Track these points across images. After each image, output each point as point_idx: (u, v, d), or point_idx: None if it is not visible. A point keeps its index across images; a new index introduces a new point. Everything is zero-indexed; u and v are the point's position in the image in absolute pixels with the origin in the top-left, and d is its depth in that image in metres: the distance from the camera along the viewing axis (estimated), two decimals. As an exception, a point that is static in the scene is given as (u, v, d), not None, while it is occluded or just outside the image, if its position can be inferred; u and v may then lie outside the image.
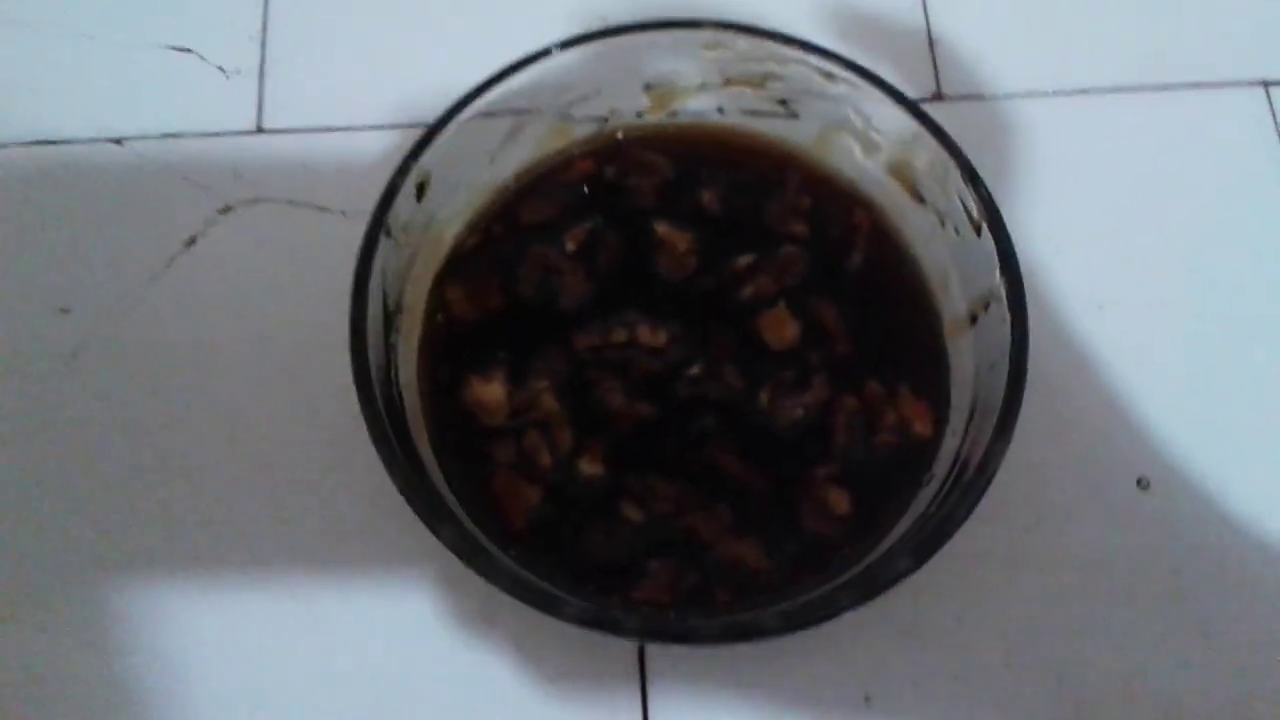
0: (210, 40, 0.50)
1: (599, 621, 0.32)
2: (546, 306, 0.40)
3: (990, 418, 0.35)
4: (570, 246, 0.41)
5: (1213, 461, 0.42)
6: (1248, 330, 0.45)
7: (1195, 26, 0.51)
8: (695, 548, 0.37)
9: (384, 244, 0.37)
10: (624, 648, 0.40)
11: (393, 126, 0.48)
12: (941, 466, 0.37)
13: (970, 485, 0.34)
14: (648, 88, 0.42)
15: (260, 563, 0.41)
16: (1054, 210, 0.46)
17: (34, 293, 0.45)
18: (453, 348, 0.40)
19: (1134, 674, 0.39)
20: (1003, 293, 0.36)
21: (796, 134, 0.43)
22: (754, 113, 0.43)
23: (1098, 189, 0.47)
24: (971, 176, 0.37)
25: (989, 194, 0.37)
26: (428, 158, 0.38)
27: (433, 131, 0.38)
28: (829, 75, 0.40)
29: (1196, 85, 0.49)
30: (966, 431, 0.37)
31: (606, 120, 0.43)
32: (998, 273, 0.36)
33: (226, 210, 0.46)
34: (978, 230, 0.37)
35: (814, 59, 0.40)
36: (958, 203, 0.38)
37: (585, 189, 0.42)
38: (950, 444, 0.38)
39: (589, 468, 0.38)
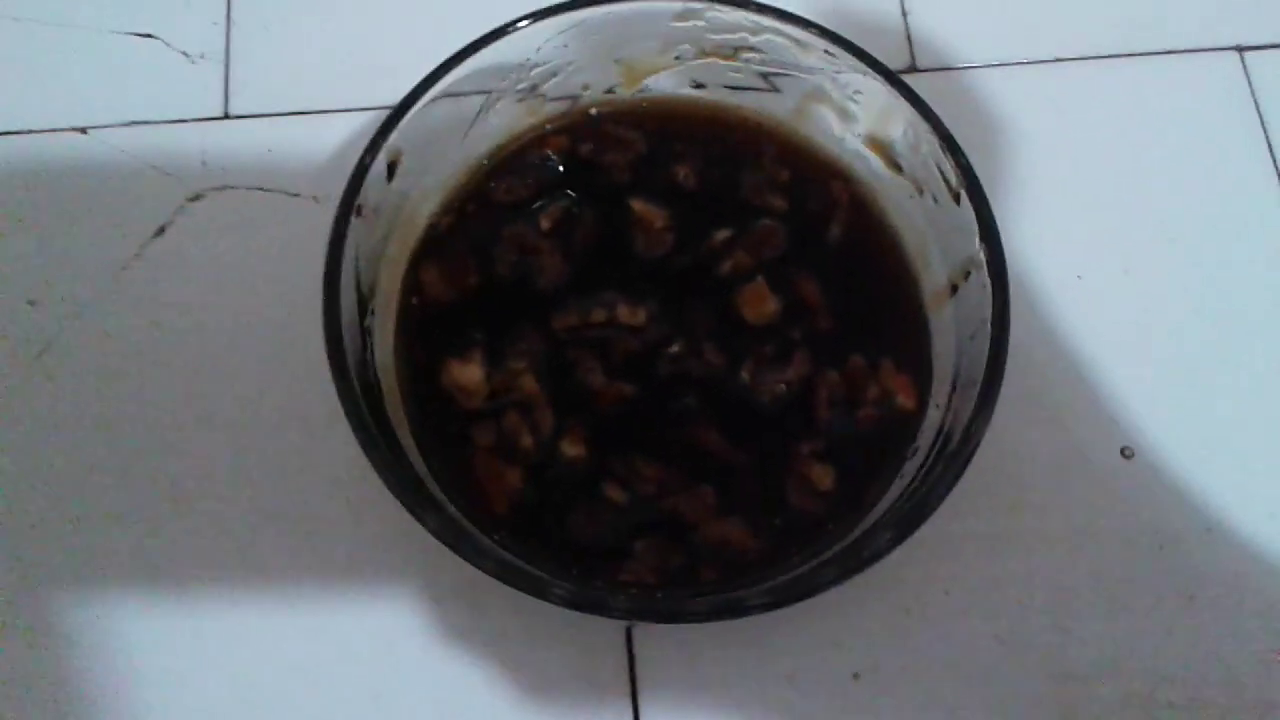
0: (174, 25, 0.49)
1: (587, 603, 0.32)
2: (523, 286, 0.40)
3: (973, 389, 0.35)
4: (545, 225, 0.41)
5: (1196, 429, 0.42)
6: (1227, 296, 0.45)
7: (1168, -7, 0.51)
8: (680, 528, 0.36)
9: (355, 225, 0.36)
10: (612, 647, 0.39)
11: (362, 109, 0.47)
12: (925, 439, 0.37)
13: (953, 457, 0.33)
14: (619, 62, 0.42)
15: (236, 567, 0.40)
16: (1030, 180, 0.46)
17: (0, 287, 0.44)
18: (429, 330, 0.39)
19: (1122, 644, 0.39)
20: (983, 260, 0.36)
21: (772, 106, 0.43)
22: (728, 86, 0.43)
23: (1073, 158, 0.47)
24: (949, 144, 0.37)
25: (967, 161, 0.37)
26: (397, 136, 0.38)
27: (402, 109, 0.38)
28: (803, 45, 0.40)
29: (1170, 52, 0.49)
30: (949, 403, 0.37)
31: (579, 96, 0.43)
32: (977, 240, 0.36)
33: (195, 198, 0.46)
34: (956, 199, 0.37)
35: (788, 28, 0.39)
36: (936, 171, 0.38)
37: (559, 166, 0.42)
38: (933, 416, 0.37)
39: (571, 449, 0.37)
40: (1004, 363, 0.34)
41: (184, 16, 0.49)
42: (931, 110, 0.38)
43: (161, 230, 0.45)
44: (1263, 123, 0.47)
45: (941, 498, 0.33)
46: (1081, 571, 0.40)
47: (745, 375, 0.38)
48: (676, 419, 0.38)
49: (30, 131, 0.47)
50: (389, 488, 0.33)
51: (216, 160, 0.46)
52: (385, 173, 0.38)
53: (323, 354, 0.34)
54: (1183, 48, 0.49)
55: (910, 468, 0.37)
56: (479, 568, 0.32)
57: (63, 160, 0.46)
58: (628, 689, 0.38)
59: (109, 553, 0.40)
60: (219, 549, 0.40)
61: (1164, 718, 0.38)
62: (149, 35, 0.49)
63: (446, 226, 0.41)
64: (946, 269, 0.39)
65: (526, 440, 0.37)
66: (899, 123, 0.39)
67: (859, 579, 0.33)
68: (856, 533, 0.35)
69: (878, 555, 0.32)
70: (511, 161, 0.42)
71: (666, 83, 0.43)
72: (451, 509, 0.35)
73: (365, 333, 0.37)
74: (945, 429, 0.36)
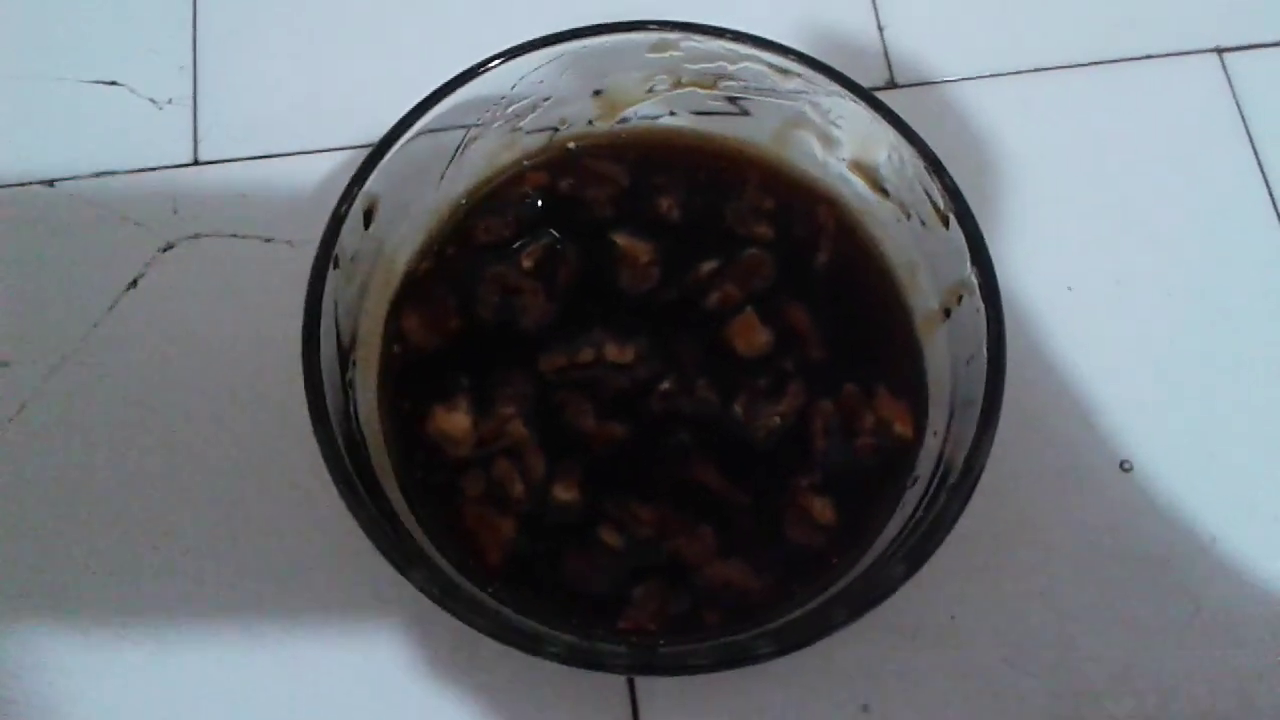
0: (138, 72, 0.48)
1: (583, 660, 0.31)
2: (507, 329, 0.39)
3: (971, 412, 0.34)
4: (528, 264, 0.40)
5: (1195, 438, 0.42)
6: (1219, 301, 0.44)
7: (1144, -3, 0.50)
8: (680, 571, 0.36)
9: (333, 277, 0.35)
10: (615, 688, 0.38)
11: (335, 149, 0.46)
12: (925, 466, 0.36)
13: (958, 486, 0.33)
14: (597, 94, 0.41)
15: (219, 613, 0.39)
16: (1015, 192, 0.46)
17: (-30, 348, 0.43)
18: (413, 378, 0.39)
19: (1131, 660, 0.39)
20: (975, 284, 0.35)
21: (754, 133, 0.42)
22: (708, 114, 0.42)
23: (1057, 168, 0.47)
24: (935, 167, 0.37)
25: (954, 184, 0.36)
26: (373, 182, 0.37)
27: (377, 154, 0.37)
28: (781, 70, 0.39)
29: (1149, 57, 0.49)
30: (948, 429, 0.36)
31: (557, 130, 0.42)
32: (969, 263, 0.35)
33: (168, 248, 0.45)
34: (945, 221, 0.37)
35: (765, 55, 0.39)
36: (922, 194, 0.37)
37: (539, 203, 0.41)
38: (932, 444, 0.37)
39: (564, 494, 0.37)
40: (1002, 389, 0.34)
41: (149, 62, 0.49)
42: (915, 133, 0.37)
43: (134, 282, 0.44)
44: (1245, 123, 0.47)
45: (949, 528, 0.32)
46: (1086, 588, 0.40)
47: (739, 409, 0.38)
48: (671, 458, 0.37)
49: (-7, 186, 0.46)
50: (376, 546, 0.32)
51: (188, 208, 0.45)
52: (362, 220, 0.37)
53: (304, 404, 0.34)
54: (1162, 52, 0.49)
55: (911, 496, 0.36)
56: (471, 625, 0.32)
57: (30, 215, 0.46)
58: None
59: (90, 600, 0.40)
60: (201, 596, 0.40)
61: (1179, 733, 0.38)
62: (114, 83, 0.48)
63: (426, 271, 0.40)
64: (938, 293, 0.38)
65: (517, 487, 0.37)
66: (883, 146, 0.38)
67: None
68: (861, 567, 0.35)
69: (888, 591, 0.32)
70: (490, 200, 0.41)
71: (646, 114, 0.42)
72: (442, 563, 0.34)
73: (348, 385, 0.36)
74: (945, 456, 0.35)
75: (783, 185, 0.42)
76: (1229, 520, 0.41)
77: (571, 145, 0.42)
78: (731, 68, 0.40)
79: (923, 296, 0.39)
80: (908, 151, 0.37)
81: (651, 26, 0.39)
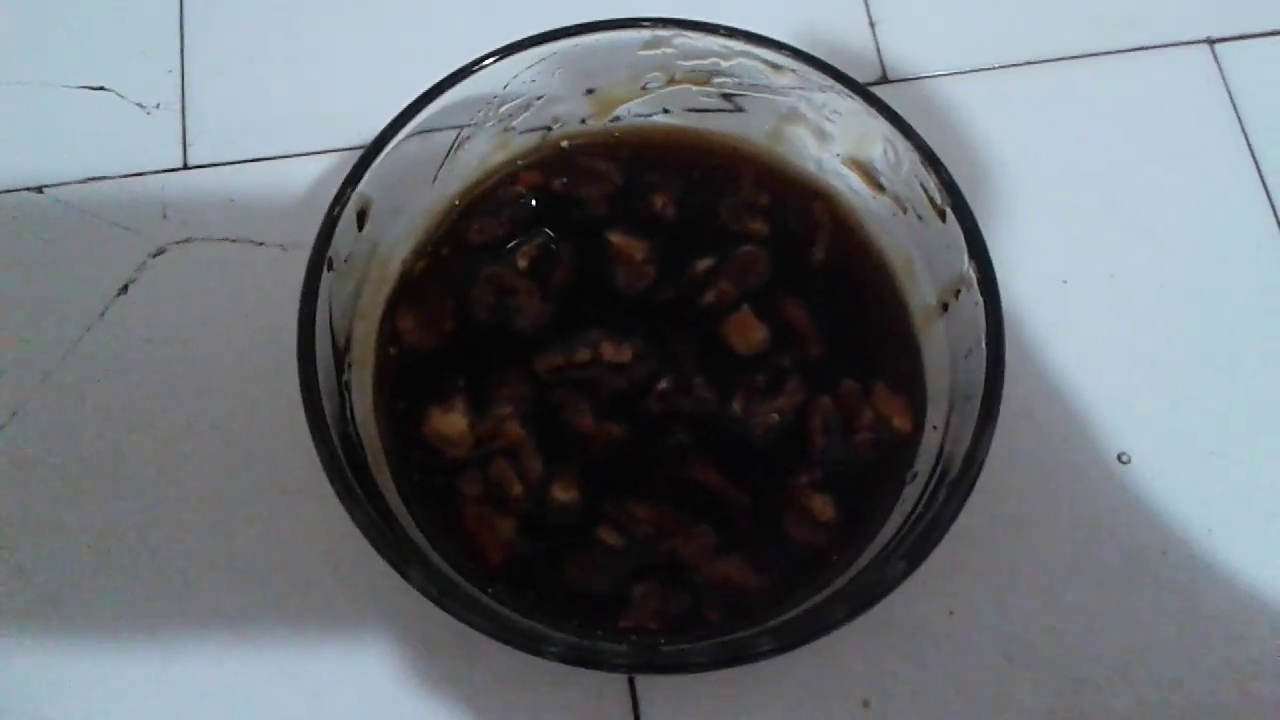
0: (126, 76, 0.48)
1: (583, 659, 0.31)
2: (503, 329, 0.39)
3: (970, 407, 0.34)
4: (522, 264, 0.40)
5: (1192, 430, 0.42)
6: (1213, 293, 0.44)
7: (1134, -11, 0.50)
8: (680, 570, 0.36)
9: (327, 279, 0.35)
10: (615, 689, 0.38)
11: (325, 151, 0.46)
12: (924, 462, 0.36)
13: (958, 481, 0.33)
14: (590, 93, 0.41)
15: (212, 622, 0.39)
16: (1009, 186, 0.46)
17: (-40, 357, 0.43)
18: (409, 380, 0.38)
19: (1131, 652, 0.39)
20: (973, 278, 0.35)
21: (748, 129, 0.42)
22: (702, 111, 0.42)
23: (1051, 161, 0.46)
24: (931, 160, 0.37)
25: (950, 177, 0.36)
26: (366, 183, 0.37)
27: (370, 155, 0.37)
28: (775, 66, 0.39)
29: (1141, 49, 0.49)
30: (947, 424, 0.36)
31: (549, 129, 0.42)
32: (966, 258, 0.35)
33: (158, 253, 0.44)
34: (942, 215, 0.36)
35: (759, 50, 0.39)
36: (918, 188, 0.37)
37: (533, 203, 0.41)
38: (931, 438, 0.37)
39: (563, 494, 0.36)
40: (1001, 383, 0.34)
41: (137, 67, 0.48)
42: (910, 127, 0.37)
43: (125, 288, 0.44)
44: (1238, 114, 0.47)
45: (949, 524, 0.32)
46: (1084, 582, 0.40)
47: (737, 407, 0.38)
48: (669, 457, 0.37)
49: (-18, 193, 0.46)
50: (374, 547, 0.32)
51: (178, 213, 0.45)
52: (355, 222, 0.37)
53: (299, 408, 0.33)
54: (1153, 43, 0.49)
55: (911, 492, 0.36)
56: (469, 625, 0.31)
57: (19, 221, 0.45)
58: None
59: (84, 606, 0.39)
60: (197, 602, 0.39)
61: (1179, 724, 0.38)
62: (102, 88, 0.48)
63: (420, 272, 0.40)
64: (935, 287, 0.38)
65: (516, 488, 0.36)
66: (877, 140, 0.38)
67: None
68: (861, 563, 0.35)
69: (888, 588, 0.32)
70: (484, 201, 0.41)
71: (639, 112, 0.42)
72: (440, 564, 0.34)
73: (344, 387, 0.36)
74: (944, 451, 0.35)
75: (777, 181, 0.41)
76: (1227, 512, 0.41)
77: (565, 144, 0.42)
78: (725, 64, 0.40)
79: (920, 291, 0.39)
80: (903, 145, 0.37)
81: (644, 24, 0.39)
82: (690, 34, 0.39)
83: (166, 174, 0.46)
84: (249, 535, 0.40)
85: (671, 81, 0.41)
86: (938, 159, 0.37)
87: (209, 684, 0.38)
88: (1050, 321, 0.43)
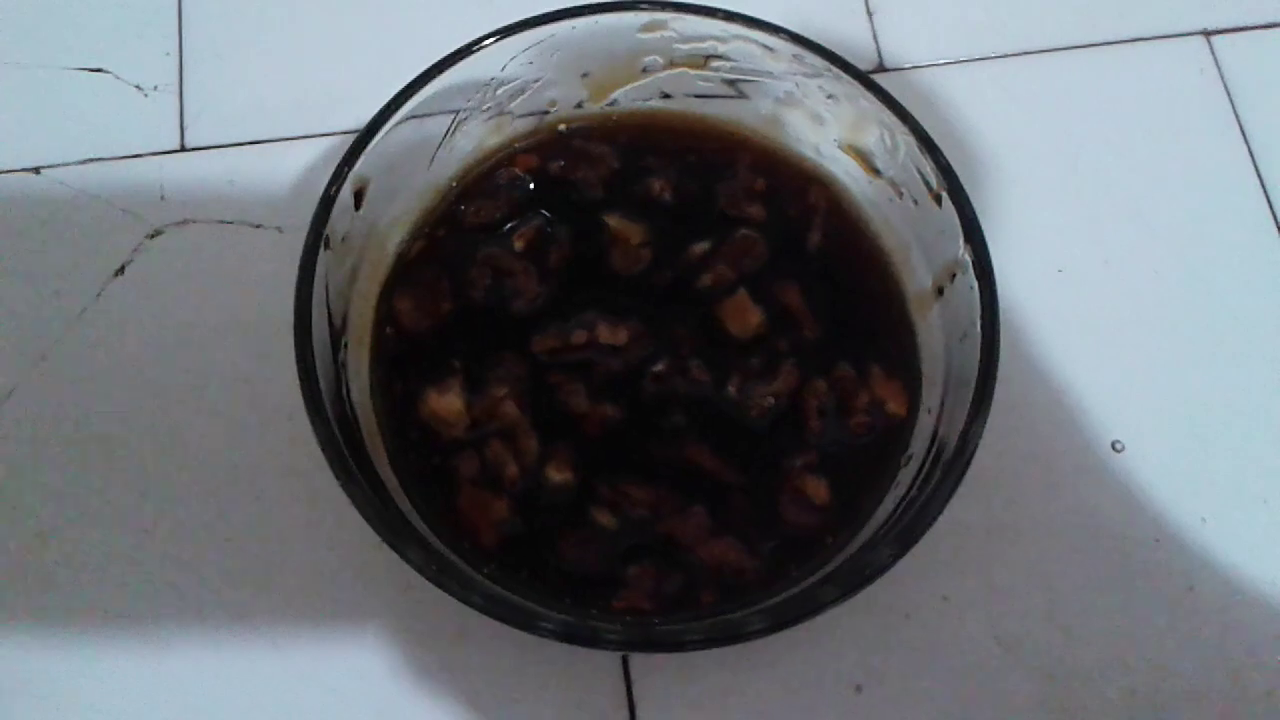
0: (124, 58, 0.48)
1: (577, 636, 0.31)
2: (500, 310, 0.39)
3: (964, 391, 0.34)
4: (519, 246, 0.40)
5: (1186, 418, 0.42)
6: (1208, 282, 0.44)
7: (1132, -21, 0.50)
8: (675, 551, 0.36)
9: (324, 258, 0.35)
10: (608, 673, 0.38)
11: (323, 135, 0.46)
12: (919, 445, 0.36)
13: (951, 465, 0.33)
14: (586, 76, 0.41)
15: (209, 607, 0.39)
16: (1004, 175, 0.46)
17: (-44, 337, 0.43)
18: (405, 360, 0.38)
19: (1124, 639, 0.39)
20: (968, 262, 0.35)
21: (745, 114, 0.42)
22: (699, 95, 0.42)
23: (1047, 151, 0.47)
24: (927, 145, 0.37)
25: (947, 162, 0.36)
26: (363, 164, 0.37)
27: (366, 136, 0.37)
28: (772, 51, 0.39)
29: (1137, 39, 0.49)
30: (942, 407, 0.36)
31: (547, 113, 0.42)
32: (962, 242, 0.35)
33: (155, 234, 0.44)
34: (937, 200, 0.37)
35: (756, 34, 0.39)
36: (914, 173, 0.37)
37: (530, 185, 0.41)
38: (926, 421, 0.37)
39: (557, 475, 0.36)
40: (996, 367, 0.34)
41: (135, 48, 0.48)
42: (907, 112, 0.37)
43: (122, 270, 0.44)
44: (1233, 105, 0.47)
45: (942, 506, 0.32)
46: (1079, 568, 0.40)
47: (732, 390, 0.38)
48: (664, 439, 0.37)
49: (-20, 174, 0.46)
50: (370, 525, 0.32)
51: (175, 194, 0.45)
52: (352, 202, 0.37)
53: (296, 390, 0.33)
54: (1150, 35, 0.49)
55: (905, 476, 0.36)
56: (465, 602, 0.31)
57: (16, 202, 0.45)
58: (626, 716, 0.38)
59: (76, 597, 0.39)
60: (191, 590, 0.39)
61: (1170, 711, 0.38)
62: (100, 70, 0.48)
63: (417, 253, 0.40)
64: (930, 271, 0.38)
65: (511, 469, 0.36)
66: (874, 126, 0.38)
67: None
68: (855, 546, 0.35)
69: (880, 570, 0.32)
70: (481, 183, 0.41)
71: (636, 95, 0.42)
72: (436, 543, 0.34)
73: (340, 367, 0.36)
74: (939, 434, 0.35)
75: (774, 166, 0.42)
76: (1220, 500, 0.41)
77: (562, 128, 0.42)
78: (722, 48, 0.40)
79: (915, 276, 0.39)
80: (899, 130, 0.37)
81: (642, 6, 0.39)
82: (688, 17, 0.39)
83: (164, 156, 0.46)
84: (245, 517, 0.40)
85: (669, 65, 0.41)
86: (934, 143, 0.37)
87: (205, 672, 0.38)
88: (1045, 310, 0.43)
